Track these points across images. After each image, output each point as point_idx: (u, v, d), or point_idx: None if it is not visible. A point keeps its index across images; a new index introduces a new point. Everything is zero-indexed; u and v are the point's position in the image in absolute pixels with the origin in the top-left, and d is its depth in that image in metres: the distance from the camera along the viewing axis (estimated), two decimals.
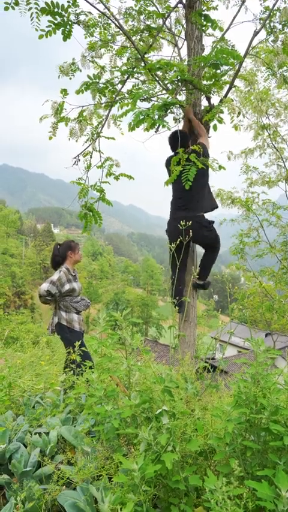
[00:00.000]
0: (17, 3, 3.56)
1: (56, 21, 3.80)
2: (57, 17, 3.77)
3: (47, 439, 2.50)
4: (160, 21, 4.95)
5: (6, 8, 3.58)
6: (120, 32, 4.52)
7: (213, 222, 4.35)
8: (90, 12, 4.30)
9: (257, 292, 9.60)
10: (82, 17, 4.17)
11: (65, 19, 3.83)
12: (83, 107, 4.96)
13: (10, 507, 2.01)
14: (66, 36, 3.96)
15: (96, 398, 2.12)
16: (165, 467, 1.64)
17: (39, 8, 3.62)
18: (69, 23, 3.90)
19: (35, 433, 2.63)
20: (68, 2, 3.88)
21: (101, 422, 2.08)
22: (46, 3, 3.62)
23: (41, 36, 3.85)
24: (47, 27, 3.81)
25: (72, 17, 3.96)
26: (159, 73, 4.49)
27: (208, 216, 4.49)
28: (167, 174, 4.41)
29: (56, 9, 3.71)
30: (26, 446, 2.53)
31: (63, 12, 3.78)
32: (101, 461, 2.09)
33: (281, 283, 8.71)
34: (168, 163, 4.39)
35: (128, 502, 1.54)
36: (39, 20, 3.66)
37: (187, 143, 4.31)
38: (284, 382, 1.97)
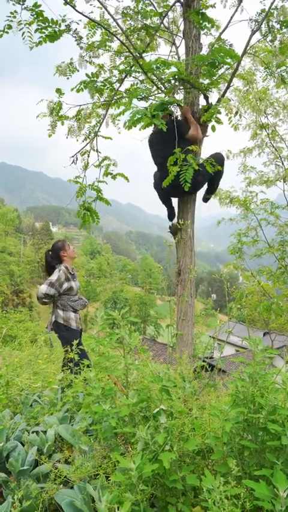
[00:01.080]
0: (10, 27, 3.69)
1: (46, 32, 3.88)
2: (48, 29, 3.85)
3: (45, 438, 2.50)
4: (158, 20, 4.95)
5: (0, 35, 3.76)
6: (118, 31, 4.52)
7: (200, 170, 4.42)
8: (81, 21, 4.34)
9: (255, 291, 9.61)
10: (74, 26, 4.20)
11: (56, 30, 3.90)
12: (81, 106, 4.96)
13: (7, 506, 2.01)
14: (53, 38, 4.02)
15: (94, 397, 2.12)
16: (163, 467, 1.64)
17: (29, 26, 3.74)
18: (61, 33, 3.98)
19: (33, 432, 2.62)
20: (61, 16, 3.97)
21: (99, 421, 2.08)
22: (38, 20, 3.70)
23: (31, 48, 3.93)
24: (37, 36, 3.91)
25: (63, 26, 4.01)
26: (155, 70, 4.50)
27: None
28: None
29: (47, 24, 3.82)
30: (23, 445, 2.52)
31: (54, 25, 3.87)
32: (99, 460, 2.08)
33: (279, 283, 8.73)
34: (151, 143, 4.58)
35: (125, 501, 1.54)
36: (31, 38, 3.81)
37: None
38: (282, 382, 1.97)
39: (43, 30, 3.84)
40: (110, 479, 1.83)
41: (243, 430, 1.92)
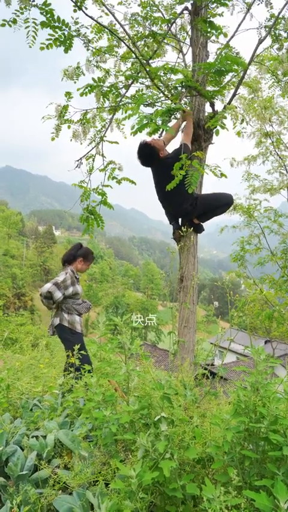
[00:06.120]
0: (15, 22, 3.60)
1: (56, 35, 3.85)
2: (57, 30, 3.81)
3: (44, 443, 2.49)
4: (165, 27, 4.97)
5: (3, 25, 3.61)
6: (126, 37, 4.54)
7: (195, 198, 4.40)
8: (91, 25, 4.33)
9: (257, 299, 9.59)
10: (83, 30, 4.19)
11: (66, 33, 3.88)
12: (86, 110, 4.97)
13: (6, 511, 2.00)
14: (67, 48, 4.00)
15: (95, 403, 2.12)
16: (163, 475, 1.63)
17: (37, 25, 3.65)
18: (70, 37, 3.95)
19: (32, 436, 2.61)
20: (73, 18, 3.94)
21: (99, 427, 2.07)
22: (47, 18, 3.65)
23: (42, 48, 3.90)
24: (47, 40, 3.85)
25: (73, 31, 3.99)
26: (162, 76, 4.51)
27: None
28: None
29: (56, 24, 3.75)
30: (22, 450, 2.52)
31: (63, 27, 3.82)
32: (98, 467, 2.07)
33: (281, 291, 8.71)
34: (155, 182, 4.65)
35: (124, 509, 1.53)
36: (34, 39, 3.67)
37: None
38: (283, 391, 1.96)
39: (52, 33, 3.82)
40: (109, 486, 1.82)
41: (244, 439, 1.91)
